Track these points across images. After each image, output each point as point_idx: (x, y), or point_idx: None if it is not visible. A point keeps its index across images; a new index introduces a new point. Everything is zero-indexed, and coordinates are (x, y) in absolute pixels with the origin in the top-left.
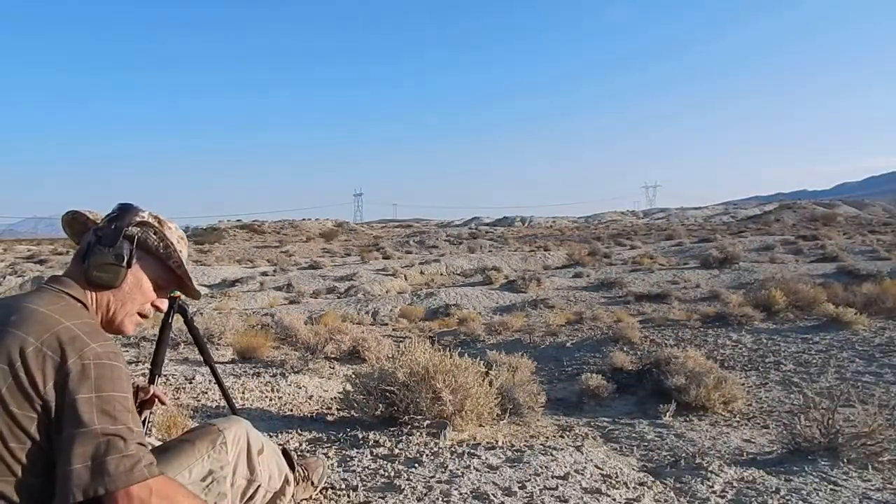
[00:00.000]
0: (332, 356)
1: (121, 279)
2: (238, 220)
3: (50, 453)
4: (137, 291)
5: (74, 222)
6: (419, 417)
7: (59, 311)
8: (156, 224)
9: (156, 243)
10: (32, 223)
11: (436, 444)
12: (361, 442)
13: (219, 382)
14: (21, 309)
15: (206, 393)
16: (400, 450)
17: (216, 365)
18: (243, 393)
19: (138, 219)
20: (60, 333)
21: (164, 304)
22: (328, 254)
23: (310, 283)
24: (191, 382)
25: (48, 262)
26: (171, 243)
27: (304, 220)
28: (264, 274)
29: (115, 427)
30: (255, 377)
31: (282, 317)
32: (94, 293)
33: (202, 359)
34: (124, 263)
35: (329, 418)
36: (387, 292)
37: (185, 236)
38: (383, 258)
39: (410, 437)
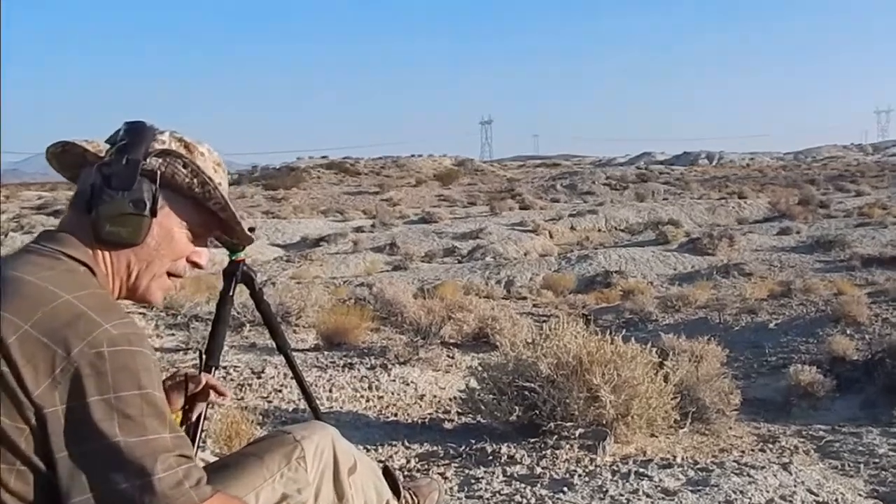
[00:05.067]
0: (451, 341)
1: (144, 233)
2: (323, 158)
3: (50, 478)
4: (167, 246)
5: (66, 155)
6: (569, 424)
7: (55, 281)
8: (182, 151)
9: (187, 179)
10: (44, 162)
11: (592, 460)
12: (491, 458)
13: (297, 377)
14: (5, 279)
15: (280, 391)
16: (543, 468)
17: (294, 353)
18: (330, 391)
19: (158, 146)
20: (59, 311)
21: (203, 258)
22: (445, 203)
23: (420, 242)
24: (259, 377)
25: (65, 212)
26: (209, 177)
27: (412, 157)
28: (359, 230)
29: (143, 438)
30: (346, 370)
31: (383, 288)
32: (106, 253)
33: (274, 345)
34: (147, 212)
35: (447, 425)
36: (525, 255)
37: (221, 162)
38: (520, 208)
39: (557, 452)
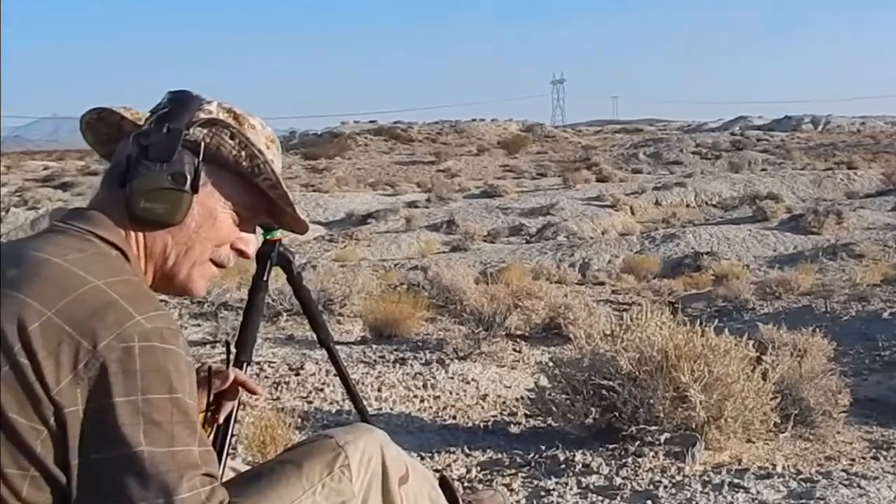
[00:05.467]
0: (518, 333)
1: (183, 211)
2: (372, 122)
3: (67, 487)
4: (209, 228)
5: (101, 125)
6: (653, 429)
7: (84, 264)
8: (231, 122)
9: (234, 152)
10: (51, 127)
11: (679, 469)
12: (563, 466)
13: (341, 374)
14: (24, 260)
15: (322, 390)
16: (623, 479)
17: (337, 347)
18: (379, 390)
19: (204, 115)
20: (87, 299)
21: (250, 246)
22: (511, 174)
23: (483, 218)
24: (298, 374)
25: (75, 185)
26: (258, 150)
27: (473, 121)
28: (412, 205)
29: (170, 449)
30: (397, 366)
31: (439, 272)
32: (140, 234)
33: (315, 337)
34: (187, 187)
35: (513, 430)
36: (603, 234)
37: (275, 137)
38: (597, 181)
39: (640, 460)
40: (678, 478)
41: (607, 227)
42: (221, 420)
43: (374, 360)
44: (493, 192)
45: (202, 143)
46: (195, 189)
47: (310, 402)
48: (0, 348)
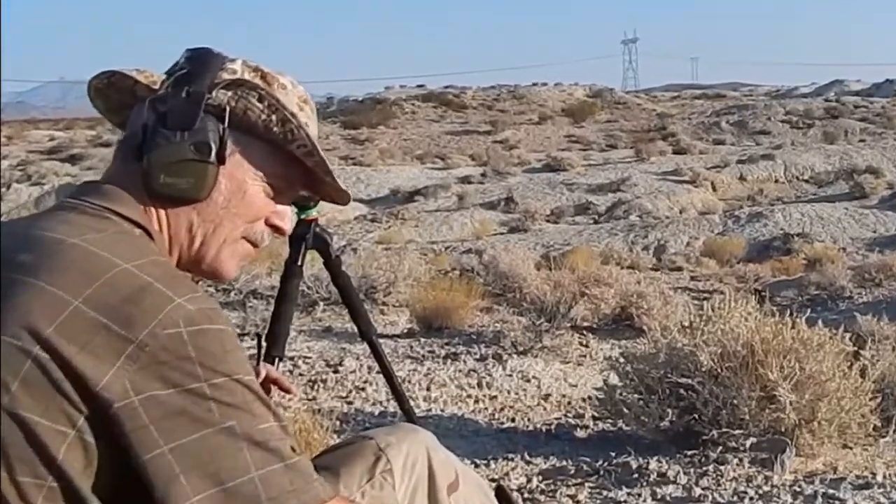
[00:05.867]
0: (585, 325)
1: (208, 185)
2: (420, 87)
3: (89, 499)
4: (239, 203)
5: (112, 90)
6: (737, 432)
7: (105, 245)
8: (258, 82)
9: (263, 116)
10: (58, 91)
11: (767, 478)
12: (636, 475)
13: (385, 371)
14: (36, 242)
15: (363, 389)
16: (704, 489)
17: (381, 341)
18: (428, 389)
19: (227, 76)
20: (117, 283)
21: (286, 220)
22: (577, 145)
23: (545, 196)
24: (336, 371)
25: (85, 158)
26: (291, 113)
27: (534, 86)
28: (465, 180)
29: (257, 426)
30: (448, 362)
31: (496, 256)
32: (161, 212)
33: (356, 330)
34: (212, 157)
35: (579, 433)
36: (680, 213)
37: (308, 97)
38: (674, 153)
39: (722, 468)
40: (765, 488)
41: (685, 205)
42: None
43: (423, 356)
44: (556, 165)
45: (227, 108)
46: (221, 160)
47: (349, 403)
48: (20, 344)
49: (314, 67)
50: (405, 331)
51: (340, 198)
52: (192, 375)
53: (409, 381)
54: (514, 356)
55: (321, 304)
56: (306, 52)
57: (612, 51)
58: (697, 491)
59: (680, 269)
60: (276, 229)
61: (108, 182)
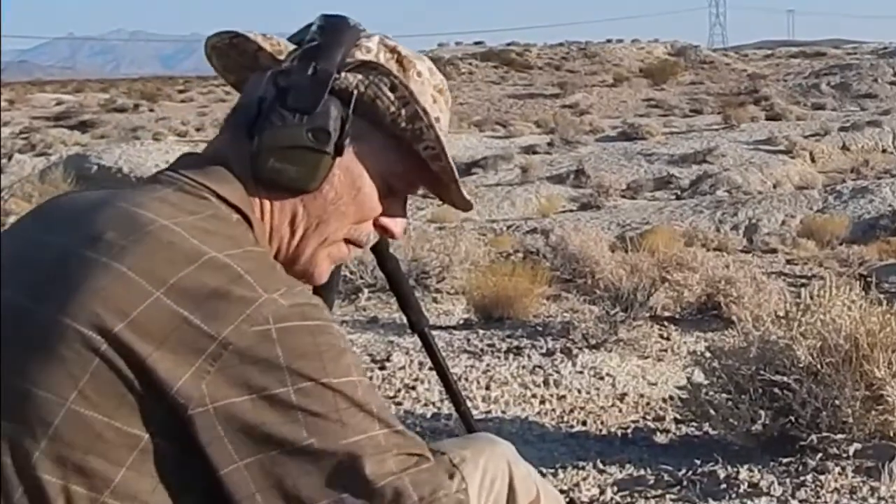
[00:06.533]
0: (666, 315)
1: (320, 177)
2: (478, 44)
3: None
4: (350, 200)
5: (234, 52)
6: (839, 437)
7: (198, 230)
8: (394, 66)
9: (392, 108)
10: (66, 49)
11: (873, 489)
12: (725, 485)
13: (438, 367)
14: (124, 219)
15: (413, 388)
16: (802, 502)
17: (434, 333)
18: (487, 388)
19: (361, 55)
20: (204, 274)
21: (398, 226)
22: (658, 110)
23: (621, 168)
24: (383, 367)
25: (97, 125)
26: (423, 109)
27: (608, 42)
28: (530, 150)
29: (346, 441)
30: (510, 357)
31: (565, 236)
32: (265, 200)
33: (406, 321)
34: (330, 147)
35: (660, 438)
36: (775, 187)
37: (445, 87)
38: (768, 119)
39: (822, 477)
40: (871, 500)
41: (781, 178)
42: None
43: (481, 350)
44: (633, 133)
45: (354, 93)
46: (339, 151)
47: (398, 404)
48: (90, 336)
49: (360, 22)
50: (461, 322)
51: (463, 205)
52: (278, 379)
53: (466, 379)
54: (586, 350)
55: (366, 291)
56: (350, 3)
57: (697, 2)
58: (794, 503)
59: (774, 251)
60: (386, 232)
61: (212, 156)
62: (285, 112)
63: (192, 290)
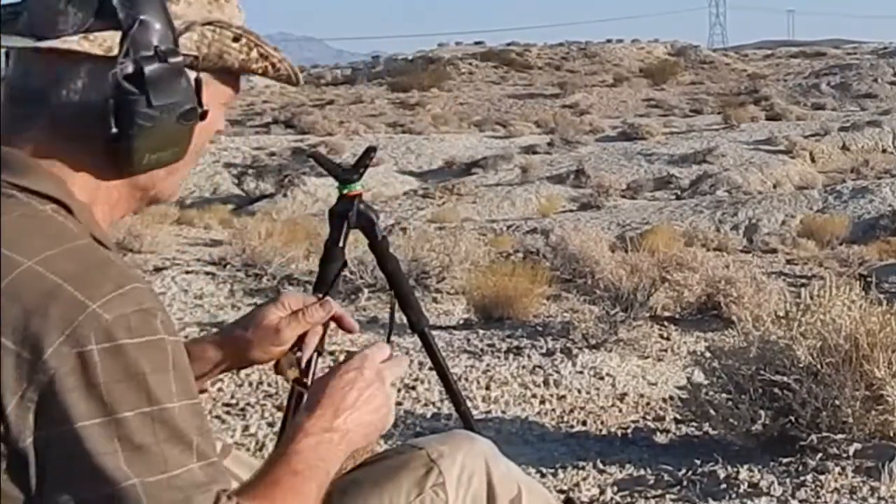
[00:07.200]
0: (666, 315)
1: (189, 143)
2: (478, 44)
3: None
4: (201, 135)
5: None
6: (839, 437)
7: (7, 236)
8: (218, 14)
9: (242, 57)
10: None
11: (873, 490)
12: (725, 485)
13: (438, 367)
14: None
15: (413, 388)
16: (802, 502)
17: (434, 333)
18: (487, 388)
19: (179, 9)
20: (19, 289)
21: (222, 122)
22: (657, 110)
23: (621, 168)
24: None
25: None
26: (271, 49)
27: (608, 42)
28: (530, 150)
29: (165, 475)
30: (510, 357)
31: (565, 236)
32: (105, 180)
33: (406, 320)
34: (196, 118)
35: (660, 438)
36: (775, 187)
37: None
38: (768, 118)
39: (822, 477)
40: (871, 500)
41: (780, 178)
42: (303, 361)
43: (481, 350)
44: (633, 133)
45: (199, 56)
46: (203, 115)
47: (398, 404)
48: None
49: (358, 22)
50: (461, 322)
51: (292, 79)
52: (100, 407)
53: (466, 379)
54: (586, 350)
55: (366, 291)
56: (349, 3)
57: (697, 3)
58: (794, 503)
59: (774, 251)
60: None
61: (8, 144)
62: (153, 111)
63: (8, 311)
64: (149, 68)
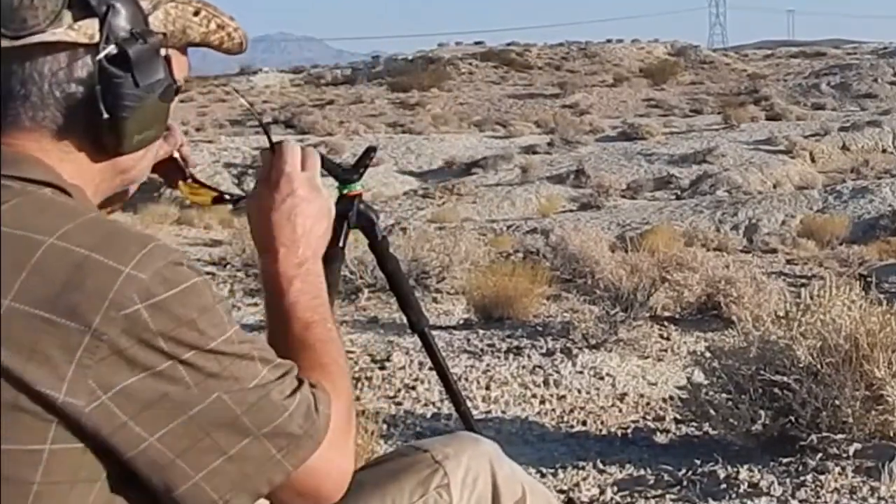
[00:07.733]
0: (666, 315)
1: (168, 118)
2: (478, 44)
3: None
4: (174, 113)
5: None
6: (839, 437)
7: (20, 218)
8: None
9: (202, 29)
10: None
11: (873, 490)
12: (725, 485)
13: (438, 367)
14: None
15: (413, 388)
16: (802, 502)
17: (434, 333)
18: (488, 388)
19: None
20: (48, 266)
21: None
22: (657, 110)
23: (621, 168)
24: (383, 367)
25: None
26: (227, 19)
27: (608, 42)
28: (530, 150)
29: (244, 388)
30: (511, 357)
31: (565, 236)
32: (95, 164)
33: (406, 320)
34: (174, 94)
35: (660, 438)
36: (775, 187)
37: None
38: (768, 119)
39: (822, 477)
40: (871, 500)
41: (780, 178)
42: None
43: (482, 350)
44: (633, 133)
45: (167, 35)
46: (178, 91)
47: (398, 404)
48: None
49: (358, 22)
50: (461, 322)
51: (234, 44)
52: (161, 355)
53: (466, 379)
54: (586, 350)
55: (366, 291)
56: (348, 2)
57: (697, 2)
58: (794, 503)
59: (774, 251)
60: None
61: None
62: (138, 93)
63: (41, 288)
64: (132, 50)
